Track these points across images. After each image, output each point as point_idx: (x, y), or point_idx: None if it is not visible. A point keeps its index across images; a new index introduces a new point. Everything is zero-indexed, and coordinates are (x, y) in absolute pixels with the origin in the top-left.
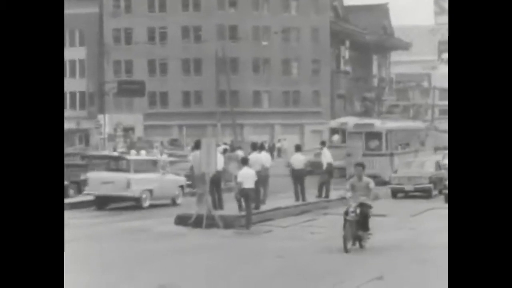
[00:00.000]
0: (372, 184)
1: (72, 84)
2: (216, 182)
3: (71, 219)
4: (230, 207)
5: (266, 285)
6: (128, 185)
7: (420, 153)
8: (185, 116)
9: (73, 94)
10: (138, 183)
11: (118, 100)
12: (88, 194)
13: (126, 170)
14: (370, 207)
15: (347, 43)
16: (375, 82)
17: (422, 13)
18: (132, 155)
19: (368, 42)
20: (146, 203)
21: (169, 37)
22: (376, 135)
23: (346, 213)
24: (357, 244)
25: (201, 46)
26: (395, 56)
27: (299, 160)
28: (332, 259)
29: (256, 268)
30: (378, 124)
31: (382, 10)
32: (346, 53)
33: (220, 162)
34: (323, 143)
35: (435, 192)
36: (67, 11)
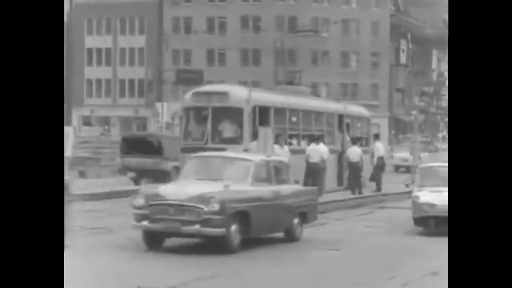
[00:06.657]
0: None
1: (131, 72)
2: None
3: None
4: None
5: (320, 277)
6: None
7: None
8: None
9: (131, 82)
10: None
11: (176, 89)
12: None
13: None
14: None
15: (409, 36)
16: (434, 76)
17: None
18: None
19: (428, 36)
20: None
21: (228, 27)
22: (233, 115)
23: None
24: None
25: (260, 36)
26: None
27: (355, 152)
28: (388, 252)
29: (310, 260)
30: (241, 94)
31: (443, 4)
32: (409, 46)
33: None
34: (376, 136)
35: None
36: None
